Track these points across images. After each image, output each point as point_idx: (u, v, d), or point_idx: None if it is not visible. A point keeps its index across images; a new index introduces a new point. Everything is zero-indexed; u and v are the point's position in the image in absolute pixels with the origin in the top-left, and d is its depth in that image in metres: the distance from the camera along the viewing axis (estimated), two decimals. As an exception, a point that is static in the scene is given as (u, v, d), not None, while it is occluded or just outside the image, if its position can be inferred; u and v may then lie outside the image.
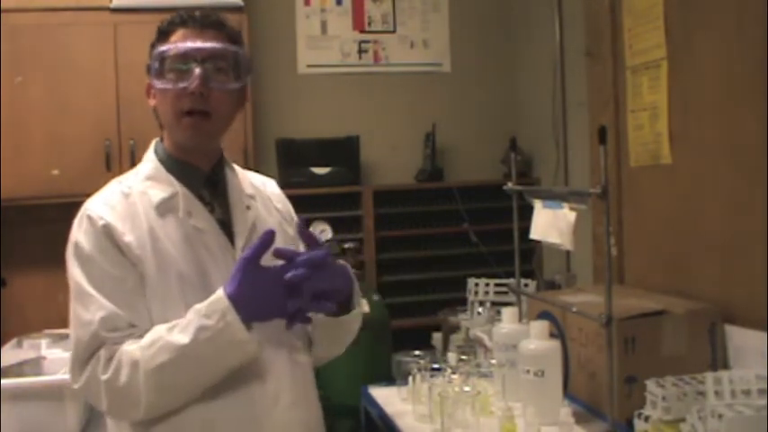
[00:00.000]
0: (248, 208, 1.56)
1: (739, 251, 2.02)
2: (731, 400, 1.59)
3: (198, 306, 1.37)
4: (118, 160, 3.03)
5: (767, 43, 1.88)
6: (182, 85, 1.44)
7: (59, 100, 3.01)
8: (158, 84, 1.46)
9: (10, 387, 2.27)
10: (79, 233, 1.45)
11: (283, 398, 1.46)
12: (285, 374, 1.48)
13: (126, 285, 1.41)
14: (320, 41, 3.66)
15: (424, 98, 3.72)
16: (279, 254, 1.37)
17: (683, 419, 1.62)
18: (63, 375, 2.39)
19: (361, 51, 3.69)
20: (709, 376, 1.64)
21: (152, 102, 1.52)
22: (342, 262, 1.49)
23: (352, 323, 1.58)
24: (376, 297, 2.98)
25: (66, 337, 2.88)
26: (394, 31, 3.72)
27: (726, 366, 1.97)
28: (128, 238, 1.42)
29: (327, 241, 3.24)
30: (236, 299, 1.34)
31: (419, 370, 2.16)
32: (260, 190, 1.65)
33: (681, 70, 2.23)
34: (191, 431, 1.40)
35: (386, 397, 2.33)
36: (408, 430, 2.06)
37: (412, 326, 3.37)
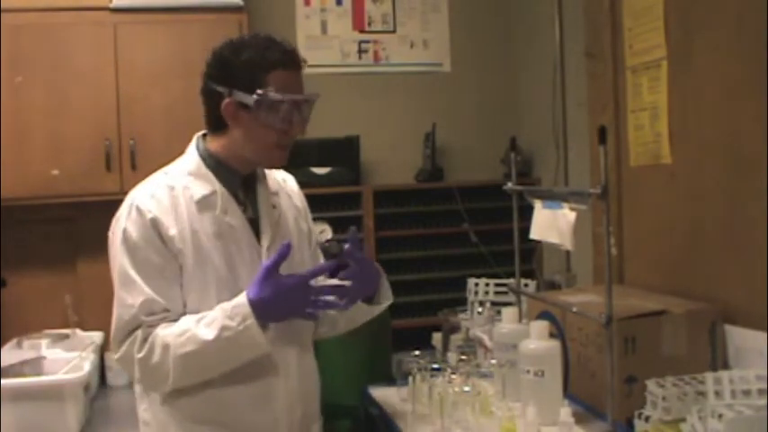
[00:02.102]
0: (274, 207, 1.76)
1: (739, 251, 2.02)
2: (731, 400, 1.59)
3: (224, 306, 1.57)
4: (118, 160, 3.02)
5: (767, 43, 1.88)
6: (283, 126, 1.63)
7: (59, 100, 3.00)
8: (261, 118, 1.61)
9: (10, 387, 2.27)
10: (128, 222, 1.62)
11: (291, 379, 1.70)
12: (293, 362, 1.71)
13: (165, 274, 1.61)
14: (320, 41, 3.65)
15: (424, 98, 3.72)
16: (313, 274, 1.62)
17: (684, 419, 1.62)
18: (63, 375, 2.39)
19: (361, 51, 3.69)
20: (710, 376, 1.64)
21: (231, 122, 1.64)
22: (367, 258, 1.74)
23: (370, 313, 1.82)
24: (376, 297, 2.97)
25: (65, 337, 2.90)
26: (394, 31, 3.72)
27: (726, 366, 1.97)
28: (172, 231, 1.61)
29: (327, 241, 3.23)
30: (255, 304, 1.54)
31: (419, 370, 2.16)
32: (281, 186, 1.84)
33: (681, 70, 2.23)
34: (208, 405, 1.63)
35: (386, 397, 2.33)
36: (408, 430, 2.06)
37: (412, 326, 3.37)
